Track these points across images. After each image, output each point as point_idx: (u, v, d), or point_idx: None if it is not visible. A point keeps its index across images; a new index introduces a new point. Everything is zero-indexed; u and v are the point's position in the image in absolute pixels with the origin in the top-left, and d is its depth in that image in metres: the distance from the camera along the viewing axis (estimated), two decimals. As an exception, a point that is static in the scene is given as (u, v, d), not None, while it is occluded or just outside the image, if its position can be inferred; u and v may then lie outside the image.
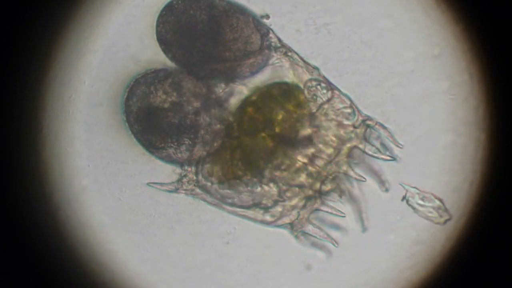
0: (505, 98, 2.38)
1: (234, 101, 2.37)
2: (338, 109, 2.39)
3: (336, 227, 2.43)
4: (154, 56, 2.38)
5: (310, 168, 2.38)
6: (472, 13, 2.38)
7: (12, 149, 2.38)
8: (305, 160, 2.37)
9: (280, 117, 2.34)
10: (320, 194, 2.40)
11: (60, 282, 2.42)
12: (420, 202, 2.39)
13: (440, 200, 2.39)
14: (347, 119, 2.39)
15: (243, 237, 2.46)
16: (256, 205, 2.40)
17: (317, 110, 2.37)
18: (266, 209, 2.41)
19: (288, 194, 2.39)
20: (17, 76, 2.37)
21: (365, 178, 2.40)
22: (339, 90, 2.41)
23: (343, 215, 2.41)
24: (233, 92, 2.38)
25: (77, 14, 2.39)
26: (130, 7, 2.41)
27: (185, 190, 2.42)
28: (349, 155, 2.40)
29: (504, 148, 2.39)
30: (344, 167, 2.39)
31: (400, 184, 2.40)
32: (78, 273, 2.42)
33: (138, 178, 2.43)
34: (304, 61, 2.41)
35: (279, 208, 2.41)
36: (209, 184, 2.40)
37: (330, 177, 2.39)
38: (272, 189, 2.38)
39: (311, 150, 2.38)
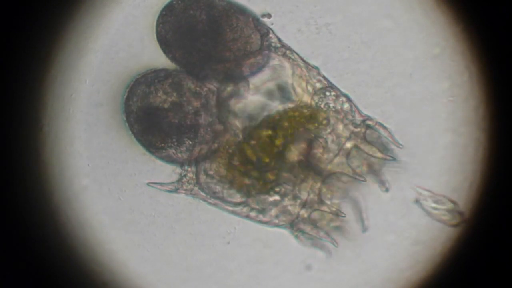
0: (505, 98, 2.38)
1: (235, 103, 2.38)
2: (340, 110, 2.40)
3: (336, 227, 2.43)
4: (154, 56, 2.38)
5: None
6: (472, 13, 2.38)
7: (12, 149, 2.38)
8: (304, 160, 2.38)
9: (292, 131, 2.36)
10: (321, 195, 2.40)
11: (60, 282, 2.42)
12: (434, 205, 2.38)
13: (454, 203, 2.38)
14: (347, 119, 2.40)
15: (243, 237, 2.46)
16: (257, 205, 2.40)
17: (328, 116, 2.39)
18: (265, 209, 2.41)
19: (289, 194, 2.40)
20: (17, 76, 2.37)
21: (365, 178, 2.40)
22: (339, 90, 2.41)
23: (343, 215, 2.41)
24: (233, 92, 2.38)
25: (77, 14, 2.39)
26: (130, 7, 2.41)
27: (185, 190, 2.42)
28: (349, 155, 2.40)
29: (504, 148, 2.39)
30: (344, 167, 2.40)
31: (414, 188, 2.39)
32: (78, 273, 2.42)
33: (138, 178, 2.43)
34: (304, 61, 2.41)
35: (279, 208, 2.41)
36: (209, 184, 2.40)
37: (331, 177, 2.40)
38: (274, 189, 2.39)
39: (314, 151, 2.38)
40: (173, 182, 2.42)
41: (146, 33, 2.39)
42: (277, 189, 2.39)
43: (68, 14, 2.39)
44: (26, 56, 2.37)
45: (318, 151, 2.37)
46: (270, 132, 2.34)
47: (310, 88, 2.40)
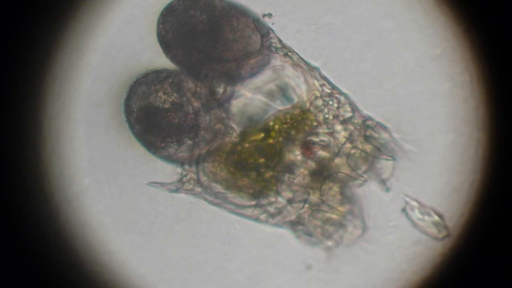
0: (505, 98, 2.38)
1: (235, 103, 2.38)
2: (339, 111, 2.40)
3: (337, 227, 2.43)
4: (154, 56, 2.38)
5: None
6: (473, 13, 2.38)
7: (12, 149, 2.37)
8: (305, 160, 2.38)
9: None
10: (321, 194, 2.40)
11: (60, 282, 2.42)
12: (420, 216, 2.39)
13: (440, 216, 2.38)
14: (347, 119, 2.40)
15: (243, 237, 2.46)
16: (257, 205, 2.40)
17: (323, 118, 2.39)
18: (266, 209, 2.41)
19: (289, 194, 2.40)
20: (17, 76, 2.36)
21: (365, 178, 2.40)
22: (339, 90, 2.41)
23: (343, 215, 2.41)
24: (234, 93, 2.38)
25: (77, 14, 2.39)
26: (130, 7, 2.41)
27: (186, 190, 2.42)
28: (350, 155, 2.40)
29: (504, 148, 2.39)
30: (345, 167, 2.40)
31: (403, 196, 2.40)
32: (78, 273, 2.42)
33: (139, 178, 2.43)
34: (305, 62, 2.41)
35: (279, 208, 2.41)
36: (210, 184, 2.40)
37: (331, 177, 2.40)
38: (274, 189, 2.39)
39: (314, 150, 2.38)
40: (173, 182, 2.42)
41: (146, 33, 2.39)
42: (276, 189, 2.39)
43: (68, 14, 2.38)
44: (26, 56, 2.36)
45: (319, 152, 2.37)
46: (262, 134, 2.35)
47: (310, 88, 2.40)
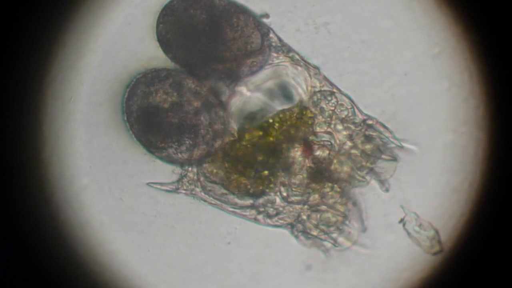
0: (505, 98, 2.38)
1: (236, 102, 2.38)
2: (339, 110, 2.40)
3: (336, 227, 2.43)
4: (154, 56, 2.38)
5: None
6: (472, 13, 2.38)
7: (12, 149, 2.38)
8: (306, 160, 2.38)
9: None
10: (321, 194, 2.40)
11: (60, 282, 2.42)
12: (416, 228, 2.39)
13: (436, 231, 2.39)
14: (347, 118, 2.40)
15: (243, 237, 2.46)
16: (256, 205, 2.40)
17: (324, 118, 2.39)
18: (265, 209, 2.41)
19: (289, 194, 2.40)
20: (17, 76, 2.37)
21: (365, 178, 2.40)
22: (339, 90, 2.41)
23: (343, 215, 2.41)
24: (234, 92, 2.38)
25: (77, 14, 2.39)
26: (130, 7, 2.41)
27: (185, 190, 2.42)
28: (350, 155, 2.40)
29: (504, 148, 2.39)
30: (345, 167, 2.39)
31: (401, 207, 2.40)
32: (78, 273, 2.42)
33: (139, 178, 2.43)
34: (305, 61, 2.41)
35: (278, 208, 2.41)
36: (210, 184, 2.40)
37: (331, 177, 2.40)
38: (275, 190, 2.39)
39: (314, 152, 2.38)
40: (173, 182, 2.42)
41: (146, 33, 2.39)
42: (276, 189, 2.39)
43: (68, 14, 2.39)
44: (26, 56, 2.37)
45: (319, 152, 2.37)
46: (260, 133, 2.34)
47: (309, 87, 2.40)
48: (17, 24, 2.37)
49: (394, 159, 2.41)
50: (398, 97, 2.43)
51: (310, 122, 2.36)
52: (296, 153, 2.37)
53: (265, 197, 2.39)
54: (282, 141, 2.35)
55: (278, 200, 2.40)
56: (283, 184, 2.38)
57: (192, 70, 2.35)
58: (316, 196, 2.40)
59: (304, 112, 2.37)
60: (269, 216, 2.41)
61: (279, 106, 2.38)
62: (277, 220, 2.42)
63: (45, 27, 2.37)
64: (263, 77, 2.39)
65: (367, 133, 2.40)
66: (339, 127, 2.39)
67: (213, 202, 2.42)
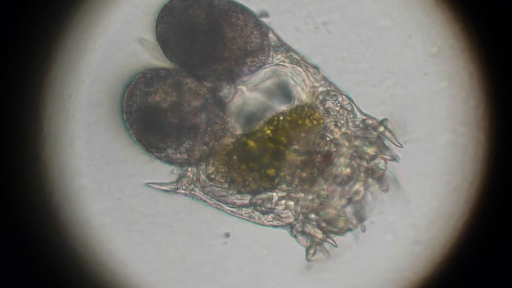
0: (505, 98, 2.38)
1: (235, 102, 2.38)
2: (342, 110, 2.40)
3: (336, 227, 2.43)
4: (154, 55, 2.39)
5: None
6: (472, 13, 2.38)
7: (12, 149, 2.38)
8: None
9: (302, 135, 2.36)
10: (321, 195, 2.40)
11: (60, 282, 2.42)
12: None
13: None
14: (347, 118, 2.40)
15: (242, 237, 2.46)
16: (256, 205, 2.41)
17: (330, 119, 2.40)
18: (265, 209, 2.41)
19: (289, 194, 2.40)
20: (17, 76, 2.37)
21: (365, 178, 2.40)
22: (339, 89, 2.41)
23: (342, 215, 2.41)
24: (234, 92, 2.38)
25: (77, 14, 2.40)
26: (130, 7, 2.42)
27: (185, 190, 2.42)
28: (349, 155, 2.40)
29: (504, 148, 2.39)
30: (345, 168, 2.40)
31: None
32: (78, 273, 2.42)
33: (138, 178, 2.44)
34: (304, 60, 2.41)
35: (279, 208, 2.41)
36: (209, 184, 2.40)
37: (330, 177, 2.40)
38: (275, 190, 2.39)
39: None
40: (172, 182, 2.42)
41: (146, 32, 2.39)
42: (277, 188, 2.39)
43: (68, 14, 2.39)
44: (26, 56, 2.37)
45: (334, 160, 2.38)
46: (271, 129, 2.34)
47: (309, 87, 2.41)
48: (17, 24, 2.37)
49: (394, 159, 2.41)
50: (398, 97, 2.43)
51: (312, 122, 2.36)
52: (296, 153, 2.37)
53: (264, 194, 2.39)
54: (282, 141, 2.35)
55: (278, 200, 2.40)
56: (284, 184, 2.39)
57: (191, 70, 2.36)
58: (316, 196, 2.40)
59: (305, 113, 2.37)
60: (270, 216, 2.41)
61: (279, 105, 2.38)
62: (278, 220, 2.42)
63: (45, 27, 2.38)
64: (263, 77, 2.40)
65: (367, 133, 2.40)
66: (339, 126, 2.39)
67: (211, 202, 2.42)
